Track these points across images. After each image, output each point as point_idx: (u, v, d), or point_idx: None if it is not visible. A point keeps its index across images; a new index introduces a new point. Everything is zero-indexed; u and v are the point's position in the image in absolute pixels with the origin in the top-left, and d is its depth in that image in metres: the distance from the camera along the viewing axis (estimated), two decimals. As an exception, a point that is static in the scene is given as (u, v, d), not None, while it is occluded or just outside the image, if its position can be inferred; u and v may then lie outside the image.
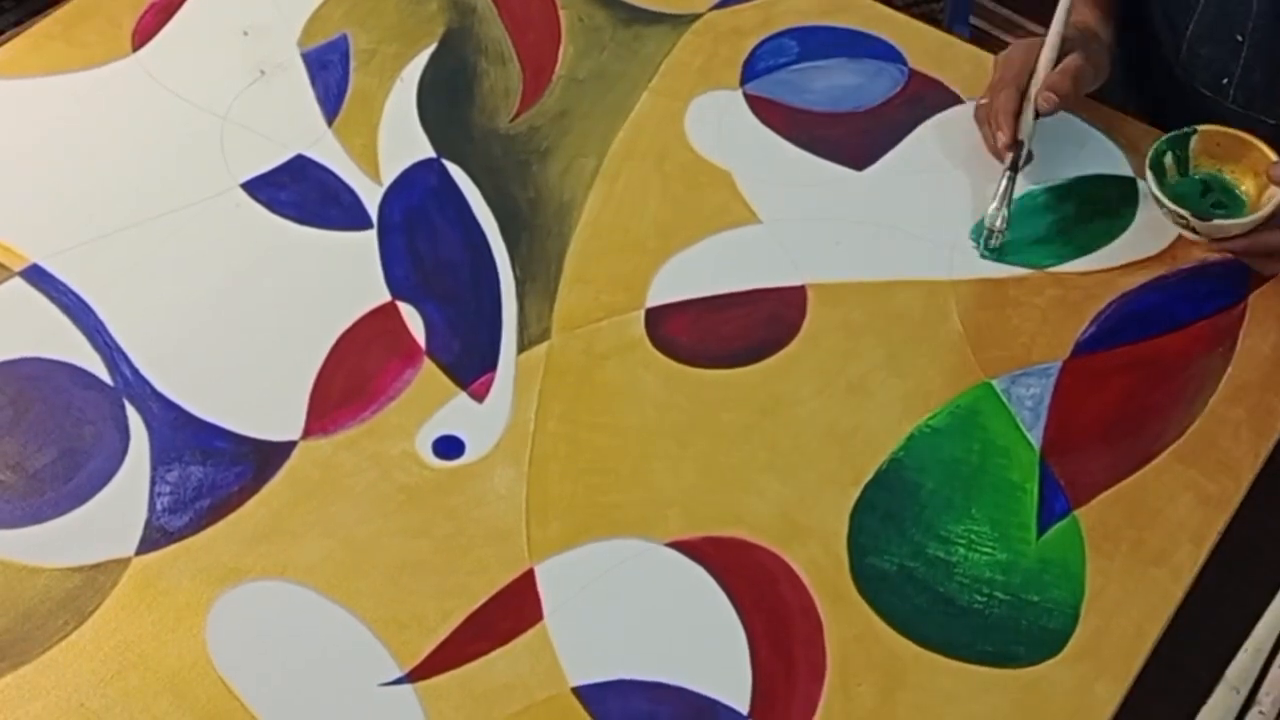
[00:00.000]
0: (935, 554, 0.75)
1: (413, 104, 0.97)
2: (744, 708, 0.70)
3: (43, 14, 1.03)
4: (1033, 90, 0.88)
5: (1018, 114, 0.88)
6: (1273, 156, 0.85)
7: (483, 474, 0.79)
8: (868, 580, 0.74)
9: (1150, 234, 0.88)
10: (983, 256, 0.88)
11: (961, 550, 0.75)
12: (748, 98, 0.97)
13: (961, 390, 0.82)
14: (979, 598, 0.74)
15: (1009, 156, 0.88)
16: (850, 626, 0.73)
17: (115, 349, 0.84)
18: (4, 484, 0.79)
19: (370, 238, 0.89)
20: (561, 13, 1.03)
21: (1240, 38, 0.92)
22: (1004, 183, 0.87)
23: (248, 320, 0.86)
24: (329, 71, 0.99)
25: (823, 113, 0.96)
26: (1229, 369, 0.82)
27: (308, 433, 0.80)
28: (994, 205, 0.87)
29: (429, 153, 0.94)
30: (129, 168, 0.94)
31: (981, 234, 0.88)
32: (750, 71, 0.99)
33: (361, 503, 0.78)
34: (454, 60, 1.00)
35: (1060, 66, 0.88)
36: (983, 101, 0.91)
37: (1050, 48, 0.88)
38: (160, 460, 0.79)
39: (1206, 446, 0.79)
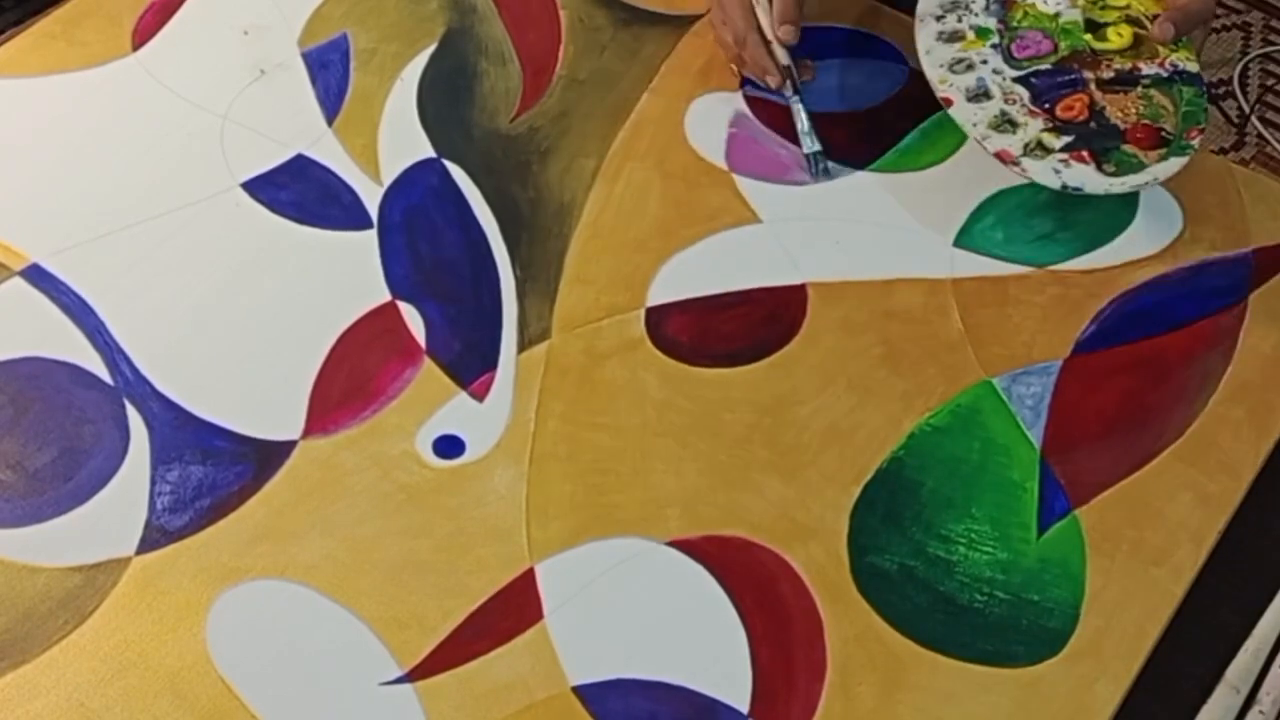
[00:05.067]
0: (935, 553, 0.75)
1: (413, 104, 0.97)
2: (744, 707, 0.70)
3: (43, 13, 1.03)
4: (763, 23, 0.93)
5: (768, 51, 0.94)
6: None
7: (483, 473, 0.79)
8: (868, 579, 0.74)
9: (1151, 233, 0.89)
10: (819, 178, 0.92)
11: (962, 549, 0.75)
12: (748, 98, 0.97)
13: (962, 389, 0.82)
14: (979, 597, 0.74)
15: (787, 87, 0.94)
16: (850, 626, 0.73)
17: (115, 348, 0.84)
18: (4, 484, 0.79)
19: (370, 237, 0.89)
20: (562, 13, 1.03)
21: None
22: (800, 110, 0.93)
23: (248, 320, 0.86)
24: (329, 71, 0.99)
25: (823, 112, 0.96)
26: (1229, 368, 0.82)
27: (308, 432, 0.80)
28: (806, 136, 0.92)
29: (429, 153, 0.94)
30: (129, 167, 0.94)
31: (815, 165, 0.92)
32: (750, 71, 0.99)
33: (361, 502, 0.78)
34: (454, 60, 1.00)
35: None
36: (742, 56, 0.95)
37: None
38: (160, 460, 0.79)
39: (1207, 446, 0.79)
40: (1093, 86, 0.87)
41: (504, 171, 0.93)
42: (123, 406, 0.82)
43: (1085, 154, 0.84)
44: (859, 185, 0.92)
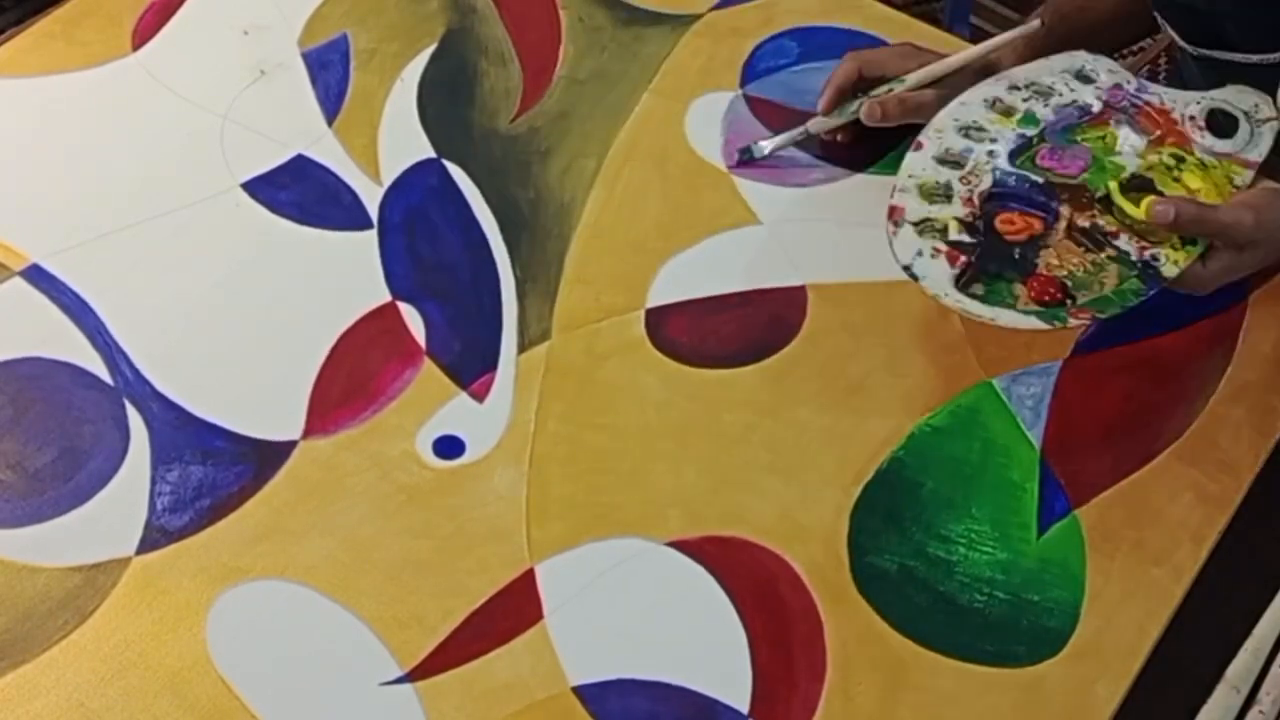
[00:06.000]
0: (936, 553, 0.75)
1: (413, 104, 0.97)
2: (744, 707, 0.70)
3: (43, 13, 1.03)
4: (882, 90, 0.90)
5: (842, 90, 0.91)
6: None
7: (483, 474, 0.79)
8: (868, 580, 0.74)
9: (1150, 234, 0.88)
10: (739, 158, 0.92)
11: (962, 550, 0.75)
12: (748, 99, 0.97)
13: (962, 389, 0.82)
14: (979, 597, 0.74)
15: (828, 119, 0.91)
16: (850, 626, 0.73)
17: (115, 349, 0.84)
18: (4, 484, 0.79)
19: (370, 238, 0.89)
20: (562, 13, 1.03)
21: None
22: (796, 132, 0.92)
23: (248, 320, 0.86)
24: (329, 71, 0.99)
25: (823, 113, 0.96)
26: (1229, 368, 0.82)
27: (308, 432, 0.80)
28: (774, 139, 0.92)
29: (429, 153, 0.94)
30: (129, 168, 0.94)
31: (747, 154, 0.92)
32: (750, 72, 0.99)
33: (362, 502, 0.78)
34: (454, 60, 1.00)
35: (916, 93, 0.90)
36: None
37: (938, 70, 0.90)
38: (160, 460, 0.79)
39: (1207, 446, 0.79)
40: (1061, 224, 0.80)
41: (504, 172, 0.93)
42: (123, 406, 0.81)
43: (960, 257, 0.79)
44: (859, 186, 0.92)
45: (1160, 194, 0.80)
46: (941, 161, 0.83)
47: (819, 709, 0.70)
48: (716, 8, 1.03)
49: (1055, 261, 0.79)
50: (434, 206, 0.91)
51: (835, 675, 0.71)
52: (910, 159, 0.84)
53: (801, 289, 0.87)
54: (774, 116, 0.96)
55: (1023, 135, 0.85)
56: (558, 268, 0.88)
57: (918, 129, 0.86)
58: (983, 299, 0.77)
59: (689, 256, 0.88)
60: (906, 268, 0.79)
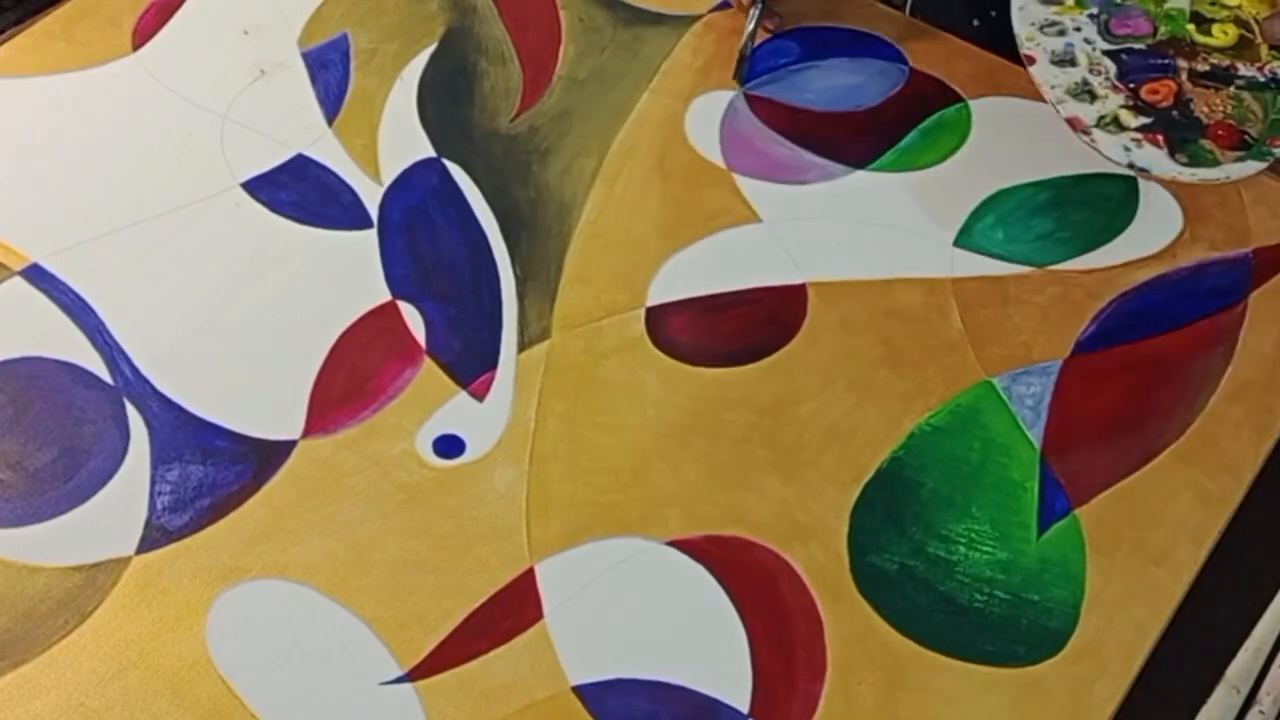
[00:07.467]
0: (936, 553, 0.75)
1: (413, 104, 0.97)
2: (744, 707, 0.70)
3: (43, 13, 1.03)
4: None
5: None
6: None
7: (483, 473, 0.79)
8: (868, 579, 0.74)
9: (1151, 232, 0.89)
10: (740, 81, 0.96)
11: (962, 549, 0.75)
12: (748, 97, 0.97)
13: (962, 389, 0.82)
14: (979, 597, 0.74)
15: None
16: (850, 626, 0.73)
17: (115, 348, 0.84)
18: (4, 483, 0.79)
19: (370, 237, 0.90)
20: (562, 13, 1.03)
21: None
22: (754, 12, 0.95)
23: (248, 319, 0.86)
24: (329, 71, 0.99)
25: (823, 112, 0.96)
26: (1229, 368, 0.82)
27: (308, 432, 0.80)
28: (745, 33, 0.95)
29: (429, 152, 0.94)
30: (129, 167, 0.94)
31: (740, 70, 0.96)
32: (751, 71, 0.99)
33: (362, 502, 0.78)
34: (454, 60, 1.00)
35: None
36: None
37: None
38: (160, 459, 0.79)
39: (1207, 446, 0.79)
40: (1184, 76, 0.85)
41: (504, 171, 0.93)
42: (123, 406, 0.82)
43: (1159, 137, 0.83)
44: (859, 185, 0.92)
45: (1216, 21, 0.85)
46: (1057, 63, 0.86)
47: (819, 709, 0.70)
48: (717, 8, 1.03)
49: (1206, 109, 0.83)
50: (434, 206, 0.91)
51: (835, 675, 0.71)
52: (1038, 75, 0.85)
53: (802, 287, 0.87)
54: (774, 115, 0.96)
55: (1092, 15, 0.87)
56: (558, 266, 0.88)
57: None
58: (1193, 165, 0.81)
59: (689, 255, 0.88)
60: (1130, 165, 0.81)
